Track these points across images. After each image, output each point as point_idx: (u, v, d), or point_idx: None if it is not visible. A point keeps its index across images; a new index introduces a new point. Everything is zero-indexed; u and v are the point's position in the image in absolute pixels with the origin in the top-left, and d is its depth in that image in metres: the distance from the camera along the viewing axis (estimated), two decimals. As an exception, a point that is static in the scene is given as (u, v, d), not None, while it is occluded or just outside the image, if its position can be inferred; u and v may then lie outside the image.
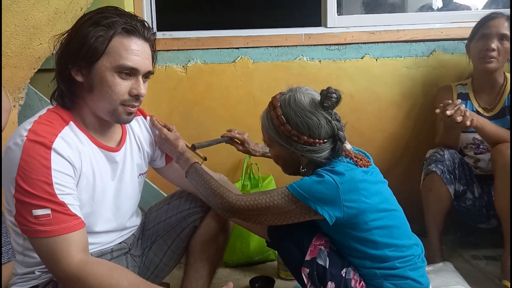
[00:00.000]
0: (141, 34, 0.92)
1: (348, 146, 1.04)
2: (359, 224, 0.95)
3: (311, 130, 0.96)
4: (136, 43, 0.92)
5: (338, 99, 0.96)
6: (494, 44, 1.53)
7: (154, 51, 0.99)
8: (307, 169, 1.01)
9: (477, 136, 1.60)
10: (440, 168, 1.50)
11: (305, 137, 0.96)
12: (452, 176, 1.51)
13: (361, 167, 0.98)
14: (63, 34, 0.93)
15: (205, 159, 1.21)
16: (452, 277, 1.40)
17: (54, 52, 0.94)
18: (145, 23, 0.95)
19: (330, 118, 0.97)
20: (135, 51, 0.91)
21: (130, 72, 0.92)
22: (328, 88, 0.96)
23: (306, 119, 0.96)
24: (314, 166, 1.00)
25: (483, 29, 1.57)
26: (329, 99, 0.95)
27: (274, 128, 1.00)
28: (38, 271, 0.92)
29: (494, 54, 1.54)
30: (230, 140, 1.37)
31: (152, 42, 0.97)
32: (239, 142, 1.38)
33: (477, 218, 1.64)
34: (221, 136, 1.37)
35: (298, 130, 0.97)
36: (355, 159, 1.00)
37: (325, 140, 0.97)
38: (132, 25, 0.90)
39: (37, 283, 0.92)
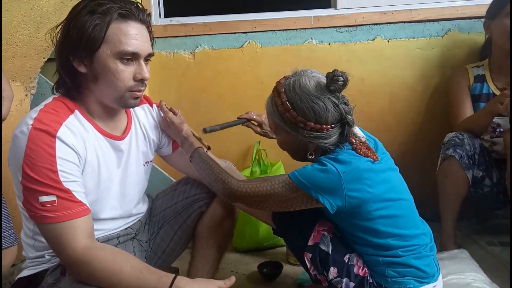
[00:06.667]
0: (137, 18, 0.92)
1: (358, 132, 0.99)
2: (362, 213, 0.93)
3: (318, 115, 0.92)
4: (133, 27, 0.91)
5: (345, 82, 0.91)
6: None
7: (151, 32, 0.98)
8: (316, 155, 0.99)
9: (493, 119, 1.54)
10: (459, 153, 1.44)
11: (312, 124, 0.93)
12: (471, 161, 1.46)
13: (361, 156, 0.94)
14: (59, 26, 0.92)
15: (209, 148, 1.18)
16: (467, 264, 1.37)
17: (53, 45, 0.93)
18: (139, 5, 0.94)
19: (337, 102, 0.92)
20: (134, 35, 0.91)
21: (131, 57, 0.92)
22: (334, 70, 0.91)
23: (312, 104, 0.92)
24: (323, 152, 0.97)
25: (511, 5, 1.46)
26: (335, 82, 0.90)
27: (279, 114, 0.96)
28: (48, 255, 0.95)
29: None
30: (247, 121, 1.32)
31: (148, 24, 0.96)
32: (256, 124, 1.34)
33: (494, 204, 1.59)
34: (238, 118, 1.32)
35: (304, 117, 0.93)
36: (355, 145, 0.96)
37: (333, 125, 0.93)
38: (127, 9, 0.90)
39: (47, 267, 0.95)
